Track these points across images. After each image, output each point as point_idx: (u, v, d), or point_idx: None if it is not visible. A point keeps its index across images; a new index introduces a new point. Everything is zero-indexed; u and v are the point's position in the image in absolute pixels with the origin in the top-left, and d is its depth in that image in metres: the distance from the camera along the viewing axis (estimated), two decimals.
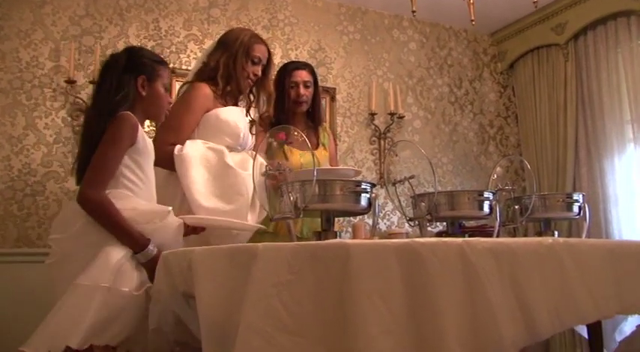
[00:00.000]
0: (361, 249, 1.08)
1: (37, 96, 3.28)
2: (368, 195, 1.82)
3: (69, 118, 3.33)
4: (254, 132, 2.22)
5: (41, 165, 3.21)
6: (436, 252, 1.07)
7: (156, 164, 1.94)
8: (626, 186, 3.80)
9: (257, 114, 2.26)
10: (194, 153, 1.98)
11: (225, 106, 2.15)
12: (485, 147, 4.62)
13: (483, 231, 3.01)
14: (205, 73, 2.11)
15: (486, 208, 1.98)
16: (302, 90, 2.54)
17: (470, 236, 3.39)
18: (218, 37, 3.85)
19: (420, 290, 1.04)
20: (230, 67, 2.07)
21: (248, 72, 2.11)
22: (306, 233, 2.42)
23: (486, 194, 2.03)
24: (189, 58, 3.75)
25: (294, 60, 3.07)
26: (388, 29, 4.43)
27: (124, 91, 1.80)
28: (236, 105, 2.22)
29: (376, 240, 1.19)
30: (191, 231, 1.93)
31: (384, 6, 4.33)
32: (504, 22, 4.62)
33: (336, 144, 2.76)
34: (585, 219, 2.48)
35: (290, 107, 2.53)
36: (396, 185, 2.14)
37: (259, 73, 2.17)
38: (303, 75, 2.56)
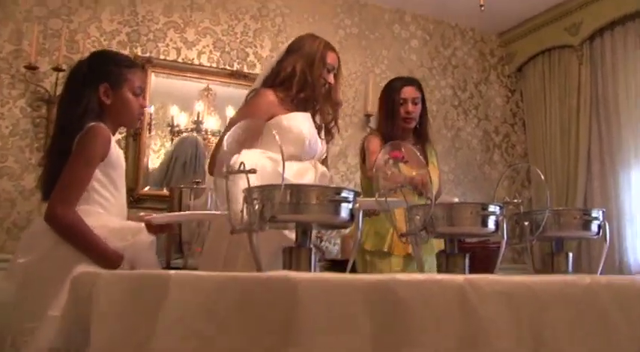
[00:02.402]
0: (314, 289, 0.74)
1: None
2: (350, 206, 1.53)
3: (28, 109, 3.01)
4: (322, 137, 2.13)
5: None
6: (425, 297, 0.73)
7: (212, 174, 1.88)
8: None
9: (322, 122, 2.18)
10: (248, 161, 1.80)
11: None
12: (489, 155, 4.36)
13: (486, 248, 2.74)
14: (277, 79, 2.07)
15: (491, 224, 1.69)
16: (410, 107, 2.55)
17: (471, 256, 3.08)
18: (202, 24, 3.68)
19: None
20: (307, 73, 2.04)
21: (325, 79, 2.08)
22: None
23: (492, 207, 1.72)
24: (169, 47, 3.44)
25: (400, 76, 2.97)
26: (388, 24, 4.17)
27: (84, 104, 1.74)
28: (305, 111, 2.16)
29: (338, 276, 0.84)
30: (158, 229, 1.82)
31: None
32: (514, 21, 4.37)
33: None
34: (605, 240, 2.17)
35: (399, 124, 2.54)
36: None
37: (332, 81, 2.13)
38: (411, 91, 2.57)
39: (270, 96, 2.03)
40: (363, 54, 4.03)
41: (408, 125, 2.58)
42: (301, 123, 2.05)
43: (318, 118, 2.20)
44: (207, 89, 3.56)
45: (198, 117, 3.44)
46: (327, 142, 2.20)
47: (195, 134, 3.42)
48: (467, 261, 1.61)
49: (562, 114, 4.05)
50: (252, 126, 2.03)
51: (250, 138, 1.95)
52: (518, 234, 2.04)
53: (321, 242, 3.50)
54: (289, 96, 2.04)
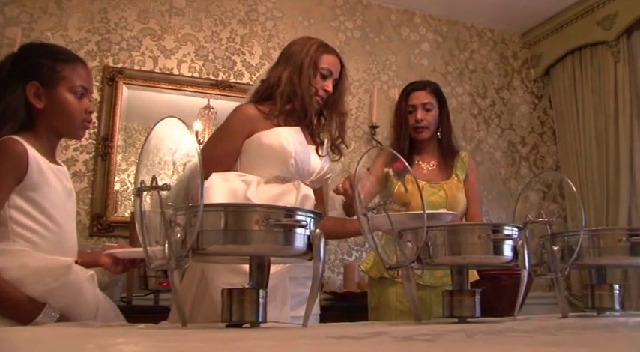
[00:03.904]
0: None
1: None
2: (306, 233, 1.15)
3: None
4: (322, 154, 1.92)
5: None
6: None
7: None
8: None
9: (328, 138, 1.99)
10: (218, 187, 1.74)
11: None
12: (515, 169, 3.97)
13: (514, 275, 2.40)
14: (264, 92, 1.91)
15: (508, 251, 1.35)
16: (420, 114, 2.28)
17: (495, 284, 2.62)
18: (182, 31, 3.31)
19: None
20: (294, 82, 1.87)
21: (316, 87, 1.88)
22: (428, 279, 2.11)
23: (507, 229, 1.35)
24: (144, 56, 3.10)
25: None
26: (396, 26, 3.82)
27: (3, 105, 1.47)
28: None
29: None
30: (129, 265, 1.64)
31: None
32: (538, 18, 4.01)
33: (474, 175, 2.42)
34: None
35: (410, 134, 2.31)
36: (369, 214, 1.42)
37: (330, 89, 1.91)
38: (421, 96, 2.32)
39: (249, 111, 1.85)
40: (367, 60, 3.68)
41: (420, 135, 2.30)
42: (285, 139, 1.83)
43: (321, 134, 2.01)
44: (208, 107, 3.20)
45: (197, 136, 3.07)
46: (335, 160, 1.99)
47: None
48: (477, 299, 1.31)
49: (597, 120, 3.70)
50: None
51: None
52: (549, 261, 1.62)
53: None
54: (276, 109, 1.85)
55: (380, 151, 2.43)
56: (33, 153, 1.44)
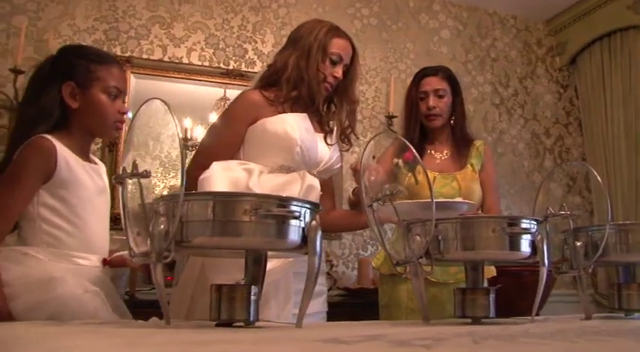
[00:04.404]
0: None
1: None
2: (300, 225, 1.05)
3: None
4: (330, 143, 1.84)
5: None
6: None
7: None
8: None
9: (338, 126, 1.91)
10: (219, 177, 1.67)
11: None
12: (539, 161, 3.83)
13: (536, 272, 2.26)
14: (270, 77, 1.84)
15: (525, 246, 1.24)
16: (432, 101, 2.17)
17: (517, 281, 2.49)
18: (192, 19, 3.23)
19: None
20: (301, 67, 1.79)
21: (325, 73, 1.80)
22: (440, 276, 2.02)
23: (525, 223, 1.24)
24: (153, 44, 3.03)
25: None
26: (414, 13, 3.70)
27: (39, 106, 1.51)
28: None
29: None
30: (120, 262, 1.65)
31: None
32: (564, 4, 3.85)
33: (491, 166, 2.31)
34: None
35: (422, 123, 2.21)
36: (374, 205, 1.33)
37: (340, 75, 1.83)
38: (434, 82, 2.20)
39: (253, 96, 1.78)
40: (384, 48, 3.56)
41: (432, 123, 2.18)
42: (291, 125, 1.75)
43: (331, 122, 1.92)
44: (224, 98, 3.12)
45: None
46: (345, 150, 1.90)
47: None
48: (492, 297, 1.22)
49: (627, 110, 3.55)
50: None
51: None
52: (571, 257, 1.51)
53: (332, 267, 2.95)
54: (282, 96, 1.78)
55: (394, 140, 2.31)
56: (63, 150, 1.47)
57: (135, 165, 1.05)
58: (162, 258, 1.01)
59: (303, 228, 1.04)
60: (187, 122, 3.07)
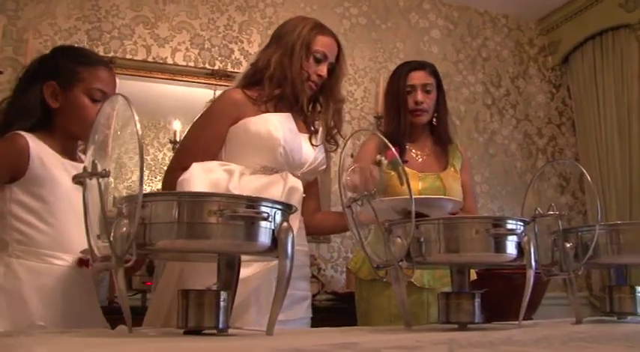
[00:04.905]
0: None
1: None
2: (271, 227, 1.00)
3: None
4: (316, 144, 1.82)
5: None
6: None
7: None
8: None
9: (324, 126, 1.88)
10: (198, 178, 1.64)
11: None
12: (532, 162, 3.83)
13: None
14: (253, 76, 1.81)
15: (511, 248, 1.20)
16: (420, 95, 2.11)
17: (509, 284, 2.44)
18: (177, 18, 3.16)
19: None
20: (285, 65, 1.76)
21: (309, 72, 1.78)
22: (427, 281, 1.99)
23: (510, 223, 1.20)
24: (137, 45, 2.99)
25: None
26: (404, 12, 3.69)
27: (20, 104, 1.51)
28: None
29: None
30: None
31: None
32: (556, 3, 3.86)
33: (468, 167, 2.29)
34: None
35: (407, 118, 2.14)
36: (352, 205, 1.28)
37: (324, 74, 1.80)
38: (421, 77, 2.15)
39: (235, 95, 1.75)
40: (373, 47, 3.54)
41: (418, 119, 2.12)
42: (274, 125, 1.73)
43: (317, 122, 1.90)
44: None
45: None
46: (331, 151, 1.90)
47: None
48: (477, 302, 1.17)
49: (620, 109, 3.55)
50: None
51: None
52: (561, 259, 1.47)
53: (319, 271, 2.89)
54: (264, 94, 1.75)
55: (370, 136, 2.24)
56: (38, 148, 1.45)
57: (95, 165, 1.00)
58: (121, 263, 0.96)
59: (274, 230, 0.99)
60: (176, 124, 3.03)
